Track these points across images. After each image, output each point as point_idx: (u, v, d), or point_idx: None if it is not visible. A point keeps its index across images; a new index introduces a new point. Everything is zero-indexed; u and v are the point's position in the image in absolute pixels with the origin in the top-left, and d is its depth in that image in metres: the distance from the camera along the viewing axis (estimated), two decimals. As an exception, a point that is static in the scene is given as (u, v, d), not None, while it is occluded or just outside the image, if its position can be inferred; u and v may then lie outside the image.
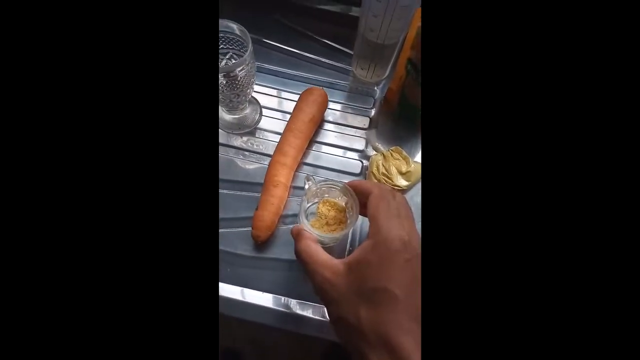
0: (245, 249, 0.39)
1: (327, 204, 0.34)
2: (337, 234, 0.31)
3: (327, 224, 0.33)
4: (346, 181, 0.31)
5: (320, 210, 0.34)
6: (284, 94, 0.48)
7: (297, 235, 0.28)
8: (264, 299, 0.37)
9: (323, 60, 0.50)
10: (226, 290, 0.37)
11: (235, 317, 0.36)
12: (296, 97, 0.46)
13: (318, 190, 0.33)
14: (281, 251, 0.39)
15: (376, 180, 0.39)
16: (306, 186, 0.34)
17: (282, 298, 0.37)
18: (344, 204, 0.34)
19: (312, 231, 0.30)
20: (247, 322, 0.36)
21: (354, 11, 0.50)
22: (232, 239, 0.39)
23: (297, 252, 0.27)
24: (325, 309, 0.36)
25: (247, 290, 0.37)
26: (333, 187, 0.32)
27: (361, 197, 0.29)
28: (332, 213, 0.34)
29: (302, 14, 0.51)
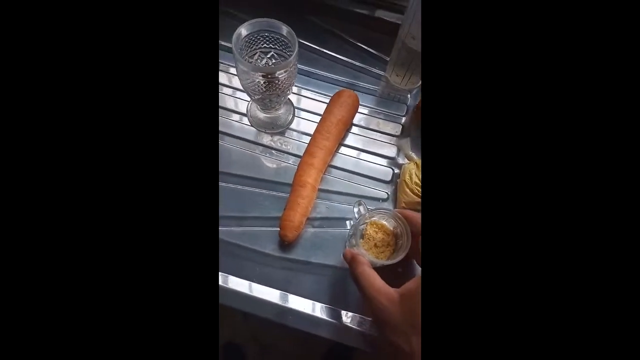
0: (272, 249, 0.39)
1: (375, 226, 0.34)
2: (390, 261, 0.32)
3: (375, 245, 0.33)
4: (391, 206, 0.32)
5: (368, 232, 0.34)
6: (314, 95, 0.47)
7: (352, 260, 0.31)
8: (270, 294, 0.35)
9: (354, 63, 0.49)
10: (234, 283, 0.36)
11: (240, 311, 0.34)
12: (325, 99, 0.45)
13: (367, 215, 0.34)
14: (308, 254, 0.39)
15: (408, 190, 0.39)
16: (355, 209, 0.34)
17: (288, 295, 0.36)
18: (391, 228, 0.34)
19: (367, 256, 0.31)
20: (251, 316, 0.35)
21: (387, 15, 0.50)
22: (258, 238, 0.39)
23: (355, 277, 0.30)
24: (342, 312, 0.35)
25: (254, 285, 0.36)
26: (383, 214, 0.33)
27: (412, 227, 0.31)
28: (380, 235, 0.34)
29: (335, 16, 0.51)
